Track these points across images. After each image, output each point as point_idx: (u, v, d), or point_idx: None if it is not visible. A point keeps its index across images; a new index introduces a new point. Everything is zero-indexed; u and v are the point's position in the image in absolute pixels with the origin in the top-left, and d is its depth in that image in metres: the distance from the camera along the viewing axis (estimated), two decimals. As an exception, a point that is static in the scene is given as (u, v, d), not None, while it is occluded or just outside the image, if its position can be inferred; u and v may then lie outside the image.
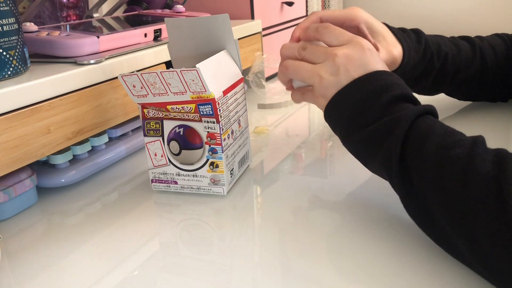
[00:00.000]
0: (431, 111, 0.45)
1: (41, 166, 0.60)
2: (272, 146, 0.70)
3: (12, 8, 0.53)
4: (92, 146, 0.64)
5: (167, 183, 0.56)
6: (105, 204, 0.56)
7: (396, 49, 0.61)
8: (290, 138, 0.73)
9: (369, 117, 0.46)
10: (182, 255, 0.45)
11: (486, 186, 0.35)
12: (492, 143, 0.39)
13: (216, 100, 0.51)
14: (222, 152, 0.53)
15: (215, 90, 0.51)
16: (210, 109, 0.51)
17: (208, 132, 0.52)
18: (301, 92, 0.55)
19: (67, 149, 0.60)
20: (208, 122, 0.52)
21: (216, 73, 0.53)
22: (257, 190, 0.57)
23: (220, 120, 0.52)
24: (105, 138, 0.65)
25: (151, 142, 0.55)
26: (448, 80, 0.69)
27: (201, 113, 0.52)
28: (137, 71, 0.51)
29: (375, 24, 0.61)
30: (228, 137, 0.54)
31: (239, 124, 0.57)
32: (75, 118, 0.57)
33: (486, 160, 0.36)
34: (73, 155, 0.61)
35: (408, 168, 0.42)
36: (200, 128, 0.53)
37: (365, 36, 0.59)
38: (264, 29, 1.03)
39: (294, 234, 0.46)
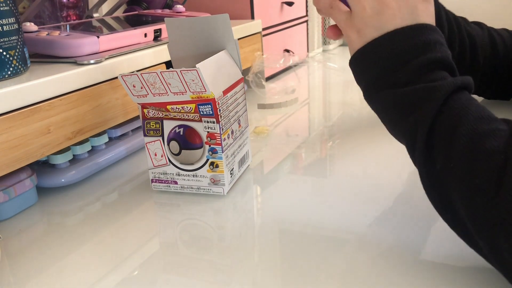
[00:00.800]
0: (467, 85, 0.40)
1: (41, 166, 0.60)
2: (272, 146, 0.70)
3: (12, 8, 0.53)
4: (92, 146, 0.64)
5: (167, 183, 0.56)
6: (105, 204, 0.56)
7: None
8: (290, 138, 0.73)
9: (401, 77, 0.41)
10: (182, 255, 0.45)
11: None
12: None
13: (216, 100, 0.51)
14: (222, 152, 0.53)
15: (215, 90, 0.51)
16: (210, 109, 0.51)
17: (208, 132, 0.52)
18: (330, 4, 0.47)
19: (67, 149, 0.60)
20: (208, 122, 0.52)
21: (216, 73, 0.53)
22: (257, 190, 0.57)
23: (220, 120, 0.52)
24: (105, 138, 0.65)
25: (151, 142, 0.55)
26: (468, 54, 0.67)
27: (201, 113, 0.52)
28: (137, 71, 0.51)
29: None
30: (228, 137, 0.54)
31: (239, 124, 0.57)
32: (75, 118, 0.57)
33: None
34: (73, 155, 0.61)
35: (434, 148, 0.37)
36: (200, 128, 0.53)
37: None
38: (264, 29, 1.03)
39: (293, 234, 0.46)
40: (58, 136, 0.55)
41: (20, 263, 0.45)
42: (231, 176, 0.55)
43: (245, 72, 0.91)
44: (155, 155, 0.56)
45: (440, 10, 0.65)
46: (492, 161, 0.33)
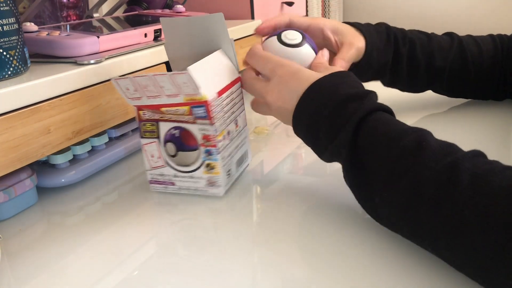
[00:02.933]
0: (371, 110, 0.44)
1: (41, 166, 0.60)
2: (272, 146, 0.70)
3: (12, 8, 0.53)
4: (92, 146, 0.64)
5: (165, 185, 0.56)
6: (105, 204, 0.56)
7: (359, 41, 0.66)
8: (290, 138, 0.73)
9: (323, 141, 0.47)
10: (181, 255, 0.45)
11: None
12: (490, 143, 0.39)
13: (209, 102, 0.50)
14: (218, 154, 0.52)
15: (208, 91, 0.50)
16: (203, 111, 0.50)
17: (203, 134, 0.52)
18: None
19: (67, 149, 0.60)
20: (202, 124, 0.51)
21: (210, 74, 0.52)
22: (256, 190, 0.57)
23: (214, 122, 0.51)
24: (105, 138, 0.65)
25: (148, 144, 0.55)
26: (422, 70, 0.70)
27: (195, 115, 0.51)
28: (137, 71, 0.51)
29: (339, 27, 0.66)
30: (224, 138, 0.54)
31: (236, 124, 0.57)
32: (75, 118, 0.57)
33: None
34: (73, 155, 0.61)
35: (368, 189, 0.43)
36: (195, 130, 0.52)
37: (330, 40, 0.65)
38: (264, 29, 1.03)
39: (293, 235, 0.46)
40: (58, 136, 0.55)
41: (20, 263, 0.45)
42: (228, 177, 0.55)
43: (245, 72, 0.91)
44: (152, 156, 0.56)
45: (389, 35, 0.69)
46: (403, 163, 0.39)
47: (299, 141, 0.71)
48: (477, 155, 0.37)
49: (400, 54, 0.69)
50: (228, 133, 0.55)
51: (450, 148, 0.38)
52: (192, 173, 0.54)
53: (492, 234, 0.32)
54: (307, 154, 0.66)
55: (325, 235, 0.46)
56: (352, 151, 0.44)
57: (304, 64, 0.54)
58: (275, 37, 0.56)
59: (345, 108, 0.44)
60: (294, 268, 0.41)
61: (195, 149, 0.53)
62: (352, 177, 0.45)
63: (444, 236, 0.35)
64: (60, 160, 0.59)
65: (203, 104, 0.50)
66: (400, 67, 0.70)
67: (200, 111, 0.51)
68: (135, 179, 0.62)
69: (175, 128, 0.53)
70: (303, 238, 0.46)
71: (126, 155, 0.68)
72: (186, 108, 0.51)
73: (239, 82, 0.58)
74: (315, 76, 0.49)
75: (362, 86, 0.48)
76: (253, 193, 0.56)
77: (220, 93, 0.53)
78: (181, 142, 0.53)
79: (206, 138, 0.52)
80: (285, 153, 0.67)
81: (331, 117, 0.45)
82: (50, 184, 0.59)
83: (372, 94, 0.46)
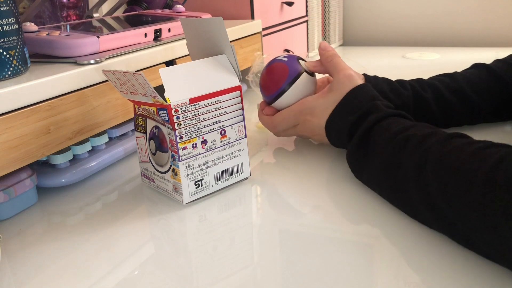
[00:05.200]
0: (387, 116, 0.53)
1: (41, 166, 0.60)
2: (273, 145, 0.70)
3: (12, 8, 0.53)
4: (92, 146, 0.64)
5: (149, 180, 0.57)
6: (105, 204, 0.56)
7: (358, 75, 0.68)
8: (290, 137, 0.73)
9: (345, 139, 0.57)
10: (182, 255, 0.45)
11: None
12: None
13: (173, 107, 0.49)
14: (179, 161, 0.50)
15: (176, 96, 0.49)
16: (166, 115, 0.49)
17: (169, 137, 0.51)
18: (289, 134, 0.67)
19: (67, 149, 0.60)
20: (168, 128, 0.50)
21: (187, 79, 0.50)
22: (257, 190, 0.57)
23: (177, 128, 0.49)
24: (105, 138, 0.65)
25: (139, 137, 0.56)
26: (458, 107, 0.68)
27: (161, 117, 0.50)
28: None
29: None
30: (194, 147, 0.51)
31: (222, 134, 0.54)
32: (75, 118, 0.57)
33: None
34: (73, 155, 0.61)
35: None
36: (166, 132, 0.51)
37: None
38: (264, 29, 1.03)
39: (294, 235, 0.46)
40: (58, 136, 0.55)
41: (20, 263, 0.45)
42: (196, 187, 0.53)
43: (245, 72, 0.91)
44: (141, 150, 0.56)
45: (402, 83, 0.69)
46: (396, 151, 0.47)
47: (300, 139, 0.72)
48: (455, 136, 0.44)
49: (424, 98, 0.67)
50: (205, 142, 0.52)
51: (427, 138, 0.45)
52: (164, 174, 0.54)
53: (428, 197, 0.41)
54: (308, 153, 0.66)
55: (326, 234, 0.46)
56: (363, 138, 0.53)
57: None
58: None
59: (368, 115, 0.55)
60: (295, 268, 0.41)
61: (166, 151, 0.52)
62: (356, 156, 0.54)
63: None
64: (60, 160, 0.59)
65: (166, 108, 0.49)
66: (428, 111, 0.67)
67: (163, 115, 0.50)
68: (135, 179, 0.62)
69: (156, 127, 0.53)
70: (304, 237, 0.46)
71: (126, 155, 0.68)
72: (154, 109, 0.51)
73: (238, 91, 0.55)
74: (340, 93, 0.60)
75: (378, 95, 0.58)
76: (253, 193, 0.56)
77: (195, 100, 0.51)
78: (159, 142, 0.53)
79: (171, 142, 0.51)
80: (286, 153, 0.67)
81: (357, 121, 0.56)
82: (50, 184, 0.59)
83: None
